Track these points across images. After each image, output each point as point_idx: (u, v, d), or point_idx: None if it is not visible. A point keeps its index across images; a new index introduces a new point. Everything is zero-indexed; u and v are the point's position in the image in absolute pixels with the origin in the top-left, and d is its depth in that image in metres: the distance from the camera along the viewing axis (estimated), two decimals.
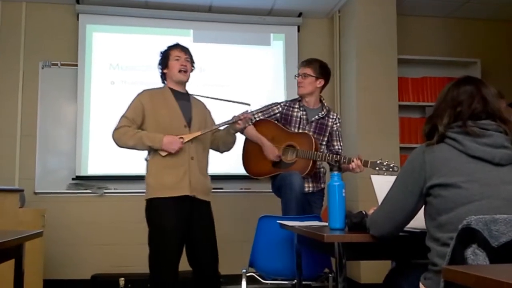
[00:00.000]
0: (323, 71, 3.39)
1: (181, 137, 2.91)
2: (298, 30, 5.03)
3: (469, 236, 1.29)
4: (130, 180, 4.62)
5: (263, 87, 4.88)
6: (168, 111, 2.99)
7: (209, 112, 3.22)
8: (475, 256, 1.27)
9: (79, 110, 4.58)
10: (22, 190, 3.75)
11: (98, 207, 4.55)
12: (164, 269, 2.85)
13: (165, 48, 3.13)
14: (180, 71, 3.02)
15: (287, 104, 3.44)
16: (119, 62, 4.73)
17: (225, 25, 4.92)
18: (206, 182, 3.04)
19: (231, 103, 3.20)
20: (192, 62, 3.11)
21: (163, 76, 3.12)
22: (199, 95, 3.20)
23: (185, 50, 3.09)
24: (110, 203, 4.57)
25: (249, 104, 3.13)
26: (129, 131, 2.94)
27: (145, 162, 3.10)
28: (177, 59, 3.03)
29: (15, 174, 4.47)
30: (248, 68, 4.91)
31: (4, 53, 4.58)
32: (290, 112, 3.40)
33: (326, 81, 3.43)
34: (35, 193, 4.45)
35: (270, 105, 3.48)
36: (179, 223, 2.88)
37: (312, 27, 5.09)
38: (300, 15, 5.01)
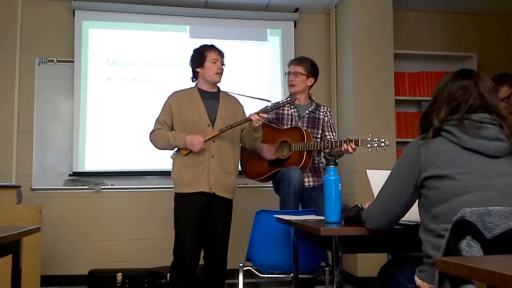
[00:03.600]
0: (314, 70, 3.46)
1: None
2: (295, 26, 5.03)
3: (463, 228, 1.30)
4: (127, 176, 4.63)
5: (260, 82, 4.87)
6: (192, 112, 3.12)
7: (241, 108, 3.29)
8: (470, 247, 1.28)
9: (75, 106, 4.58)
10: (19, 187, 3.75)
11: (95, 203, 4.55)
12: (181, 256, 3.03)
13: (200, 46, 3.22)
14: (217, 73, 3.15)
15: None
16: (115, 58, 4.72)
17: (221, 21, 4.91)
18: (228, 180, 3.14)
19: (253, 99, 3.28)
20: (223, 64, 3.23)
21: (195, 74, 3.22)
22: (231, 92, 3.31)
23: (222, 53, 3.20)
24: (107, 199, 4.57)
25: (269, 101, 3.21)
26: (159, 133, 3.14)
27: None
28: (215, 62, 3.14)
29: (12, 170, 4.46)
30: (245, 64, 4.90)
31: (0, 49, 4.56)
32: (281, 111, 3.46)
33: (315, 80, 3.50)
34: (32, 190, 4.44)
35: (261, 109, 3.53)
36: (196, 215, 3.04)
37: (308, 23, 5.09)
38: (296, 10, 5.01)
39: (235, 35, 4.93)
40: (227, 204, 3.16)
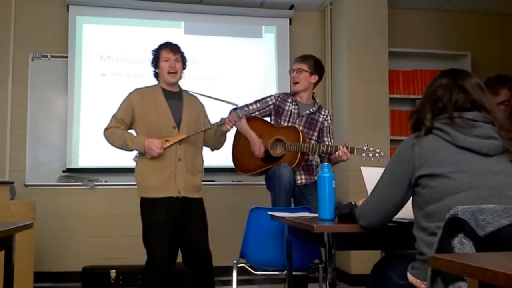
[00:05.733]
0: (318, 67, 3.40)
1: (167, 140, 2.94)
2: (290, 23, 5.03)
3: (456, 225, 1.31)
4: (121, 173, 4.62)
5: (255, 79, 4.88)
6: (156, 112, 3.00)
7: (202, 107, 3.22)
8: (462, 245, 1.29)
9: (69, 102, 4.56)
10: (13, 182, 3.72)
11: (89, 200, 4.54)
12: (158, 263, 2.91)
13: (156, 46, 3.10)
14: (169, 72, 3.01)
15: (281, 96, 3.46)
16: (109, 54, 4.70)
17: (216, 17, 4.90)
18: (195, 180, 3.07)
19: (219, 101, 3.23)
20: (183, 60, 3.10)
21: (156, 75, 3.12)
22: (192, 92, 3.22)
23: (175, 50, 3.05)
24: (101, 196, 4.56)
25: (236, 104, 3.21)
26: (116, 132, 2.98)
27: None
28: (166, 60, 3.01)
29: (5, 166, 4.45)
30: (240, 61, 4.90)
31: None
32: (282, 105, 3.41)
33: (320, 78, 3.44)
34: (26, 186, 4.43)
35: (263, 98, 3.49)
36: (168, 220, 2.94)
37: (303, 20, 5.09)
38: (291, 7, 5.01)
39: (230, 31, 4.93)
40: (198, 204, 3.09)
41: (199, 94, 3.23)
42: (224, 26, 4.92)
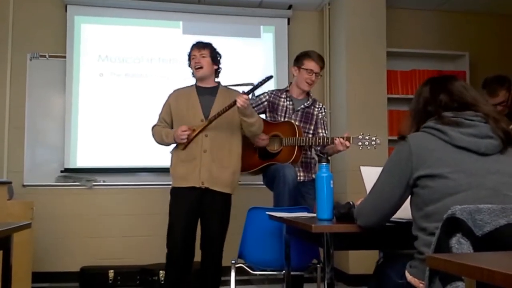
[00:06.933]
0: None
1: (194, 129, 3.10)
2: (288, 23, 5.03)
3: (454, 225, 1.31)
4: (119, 173, 4.62)
5: (253, 79, 4.86)
6: (187, 108, 3.19)
7: None
8: (460, 245, 1.29)
9: (67, 102, 4.55)
10: (10, 183, 3.72)
11: (87, 200, 4.53)
12: (171, 248, 3.09)
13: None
14: (196, 68, 3.21)
15: (274, 93, 3.50)
16: (108, 54, 4.70)
17: (214, 17, 4.90)
18: (223, 174, 3.14)
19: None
20: (213, 55, 3.22)
21: (193, 74, 3.31)
22: (231, 86, 3.36)
23: (200, 46, 3.22)
24: (99, 196, 4.56)
25: (252, 84, 3.18)
26: (157, 129, 3.26)
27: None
28: (193, 58, 3.22)
29: (3, 166, 4.44)
30: (238, 60, 4.89)
31: None
32: (276, 101, 3.44)
33: None
34: (24, 186, 4.42)
35: (257, 96, 3.49)
36: (187, 209, 3.10)
37: (302, 20, 5.09)
38: (290, 7, 5.01)
39: (228, 31, 4.92)
40: (223, 198, 3.16)
41: (237, 85, 3.42)
42: (222, 26, 4.91)
